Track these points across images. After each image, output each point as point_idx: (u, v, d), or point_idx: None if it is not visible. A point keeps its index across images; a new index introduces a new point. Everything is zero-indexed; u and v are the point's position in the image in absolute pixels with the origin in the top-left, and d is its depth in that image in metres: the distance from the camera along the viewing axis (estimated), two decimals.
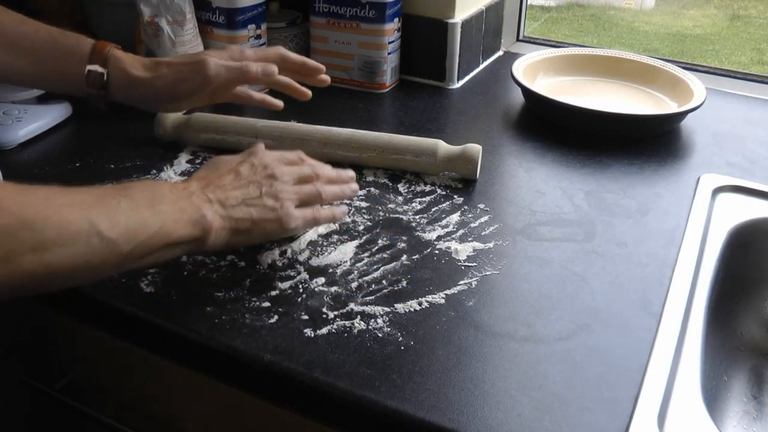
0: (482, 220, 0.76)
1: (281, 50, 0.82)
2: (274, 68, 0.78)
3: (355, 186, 0.71)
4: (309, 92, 0.85)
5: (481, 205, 0.79)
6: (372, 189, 0.82)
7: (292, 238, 0.71)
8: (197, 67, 0.74)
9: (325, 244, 0.72)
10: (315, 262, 0.69)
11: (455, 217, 0.76)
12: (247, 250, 0.70)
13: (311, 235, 0.72)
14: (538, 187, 0.83)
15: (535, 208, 0.79)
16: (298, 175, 0.66)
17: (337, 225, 0.74)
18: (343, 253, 0.70)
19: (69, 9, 1.17)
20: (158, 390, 0.73)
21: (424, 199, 0.80)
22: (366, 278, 0.67)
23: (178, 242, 0.55)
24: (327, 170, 0.69)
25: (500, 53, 1.26)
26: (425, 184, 0.83)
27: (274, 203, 0.62)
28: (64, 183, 0.50)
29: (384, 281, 0.66)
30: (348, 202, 0.79)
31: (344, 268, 0.68)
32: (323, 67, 0.85)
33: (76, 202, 0.48)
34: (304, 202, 0.65)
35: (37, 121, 0.91)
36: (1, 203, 0.42)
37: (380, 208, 0.78)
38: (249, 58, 0.79)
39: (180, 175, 0.83)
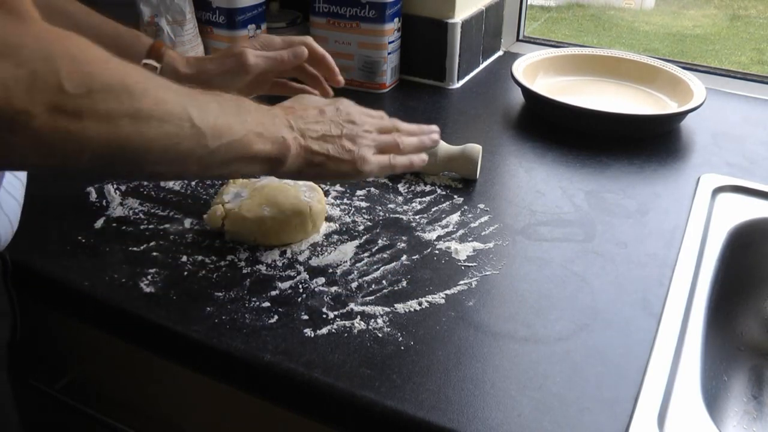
0: (482, 220, 0.76)
1: (307, 39, 0.82)
2: (304, 50, 0.79)
3: (435, 136, 0.73)
4: (331, 92, 0.84)
5: (481, 205, 0.79)
6: (372, 189, 0.82)
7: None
8: (237, 59, 0.76)
9: (325, 244, 0.72)
10: (315, 262, 0.69)
11: (455, 217, 0.76)
12: (247, 250, 0.70)
13: (313, 237, 0.72)
14: (538, 187, 0.83)
15: (535, 208, 0.79)
16: (379, 126, 0.68)
17: (337, 225, 0.74)
18: (343, 253, 0.70)
19: None
20: (158, 390, 0.73)
21: (424, 199, 0.80)
22: (366, 278, 0.67)
23: (256, 156, 0.57)
24: (407, 125, 0.71)
25: (500, 53, 1.26)
26: (425, 184, 0.83)
27: (352, 146, 0.64)
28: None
29: (384, 281, 0.66)
30: (348, 202, 0.79)
31: (344, 268, 0.68)
32: (337, 70, 0.84)
33: (171, 87, 0.50)
34: (381, 151, 0.67)
35: None
36: (108, 64, 0.45)
37: (380, 208, 0.78)
38: (277, 46, 0.79)
39: None
